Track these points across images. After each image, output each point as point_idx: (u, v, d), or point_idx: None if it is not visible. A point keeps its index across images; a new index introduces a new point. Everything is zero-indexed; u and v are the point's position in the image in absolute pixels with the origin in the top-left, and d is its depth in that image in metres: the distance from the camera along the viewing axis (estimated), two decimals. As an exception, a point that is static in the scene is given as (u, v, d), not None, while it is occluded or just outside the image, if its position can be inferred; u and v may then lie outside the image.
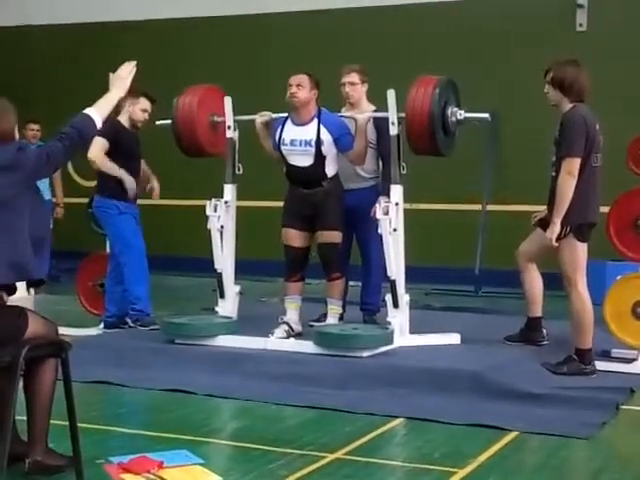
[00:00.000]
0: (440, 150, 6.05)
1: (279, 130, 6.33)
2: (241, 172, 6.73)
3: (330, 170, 6.28)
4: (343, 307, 6.68)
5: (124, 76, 4.03)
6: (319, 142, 6.18)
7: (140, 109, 7.07)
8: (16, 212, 3.75)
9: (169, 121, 6.75)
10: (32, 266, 3.80)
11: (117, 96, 3.99)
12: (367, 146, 6.30)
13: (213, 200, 6.51)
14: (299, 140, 6.23)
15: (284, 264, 6.47)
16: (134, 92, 7.00)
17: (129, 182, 7.00)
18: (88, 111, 3.87)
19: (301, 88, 6.17)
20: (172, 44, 11.71)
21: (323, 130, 6.19)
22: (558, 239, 5.73)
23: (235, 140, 6.70)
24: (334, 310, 6.40)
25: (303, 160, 6.24)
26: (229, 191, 6.68)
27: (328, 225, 6.26)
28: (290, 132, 6.27)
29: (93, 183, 10.53)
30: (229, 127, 6.65)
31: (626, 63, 9.85)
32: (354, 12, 10.84)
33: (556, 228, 5.67)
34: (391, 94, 6.08)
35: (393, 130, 6.12)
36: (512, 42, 10.20)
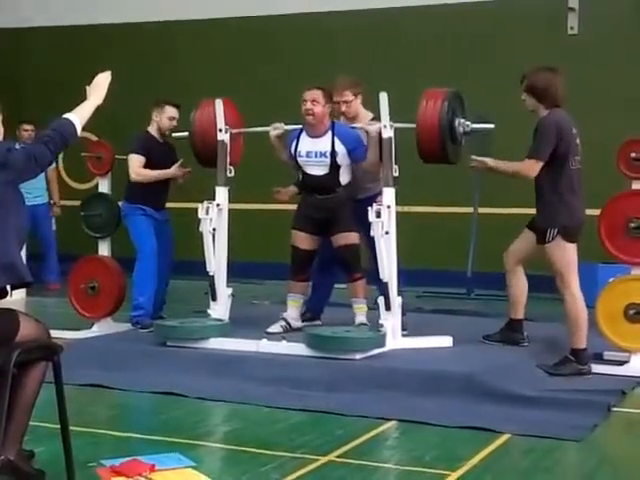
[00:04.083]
0: (449, 159, 6.16)
1: (294, 142, 6.48)
2: (232, 175, 6.75)
3: (344, 178, 6.44)
4: (321, 310, 6.91)
5: (101, 84, 4.06)
6: (334, 153, 6.34)
7: (167, 117, 7.25)
8: (7, 212, 3.75)
9: (186, 133, 6.90)
10: (23, 268, 3.79)
11: (95, 103, 4.02)
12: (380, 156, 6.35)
13: (205, 203, 6.52)
14: (314, 152, 6.40)
15: (290, 264, 6.61)
16: (158, 102, 7.18)
17: (171, 172, 7.21)
18: (68, 116, 3.90)
19: (316, 104, 6.31)
20: (169, 46, 11.68)
21: (337, 142, 6.35)
22: (546, 242, 5.80)
23: (226, 143, 6.71)
24: (361, 309, 6.48)
25: (319, 170, 6.41)
26: (221, 194, 6.69)
27: (345, 228, 6.40)
28: (306, 144, 6.44)
29: (87, 186, 10.60)
30: (220, 130, 6.68)
31: (617, 66, 9.87)
32: (353, 14, 10.83)
33: (484, 164, 6.03)
34: (383, 97, 6.13)
35: (385, 133, 6.17)
36: (503, 45, 10.21)
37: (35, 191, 9.45)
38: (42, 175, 9.50)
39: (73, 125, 3.87)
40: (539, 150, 5.78)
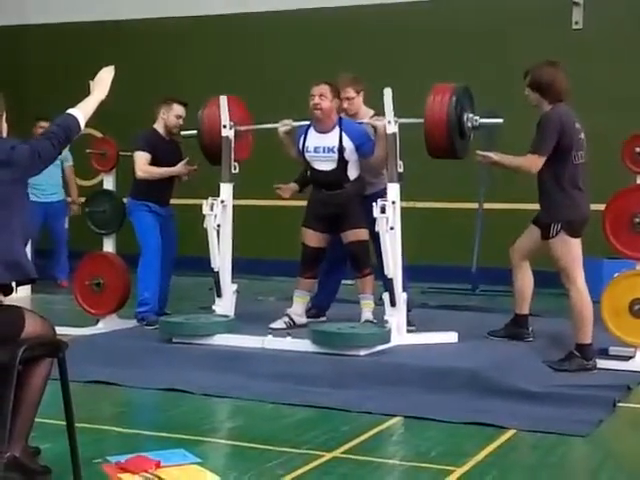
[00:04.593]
0: (457, 154, 6.15)
1: (302, 138, 6.49)
2: (237, 171, 6.75)
3: (352, 173, 6.45)
4: (327, 306, 6.95)
5: (105, 79, 4.07)
6: (342, 149, 6.35)
7: (174, 115, 7.25)
8: (11, 210, 3.76)
9: (194, 131, 6.91)
10: (28, 264, 3.80)
11: (99, 98, 4.03)
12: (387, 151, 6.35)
13: (210, 199, 6.53)
14: (322, 147, 6.40)
15: (300, 261, 6.62)
16: (166, 100, 7.19)
17: (177, 170, 7.20)
18: (72, 111, 3.91)
19: (324, 99, 6.31)
20: (171, 43, 11.69)
21: (345, 137, 6.35)
22: (550, 238, 5.79)
23: (231, 139, 6.71)
24: (368, 305, 6.49)
25: (326, 165, 6.42)
26: (226, 190, 6.70)
27: (355, 224, 6.40)
28: (313, 140, 6.44)
29: (91, 182, 10.59)
30: (224, 126, 6.68)
31: (622, 61, 9.85)
32: (352, 10, 10.82)
33: (488, 159, 6.01)
34: (388, 93, 6.13)
35: (390, 128, 6.17)
36: (508, 39, 10.20)
37: (50, 188, 9.49)
38: (58, 172, 9.57)
39: (76, 120, 3.88)
40: (541, 145, 5.77)
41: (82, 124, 3.90)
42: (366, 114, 6.62)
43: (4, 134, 3.95)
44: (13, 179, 3.76)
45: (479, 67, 9.98)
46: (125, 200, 7.45)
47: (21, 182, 3.82)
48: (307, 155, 6.46)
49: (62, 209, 9.93)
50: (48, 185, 9.27)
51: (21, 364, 3.62)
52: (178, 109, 7.24)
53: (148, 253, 7.16)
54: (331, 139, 6.37)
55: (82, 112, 3.92)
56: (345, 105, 6.60)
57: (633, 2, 9.96)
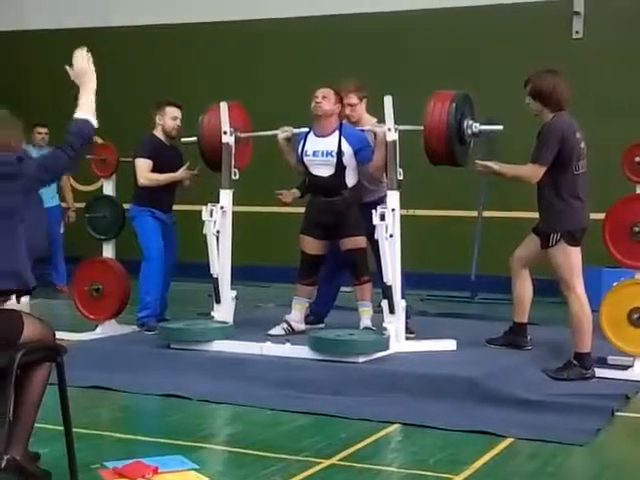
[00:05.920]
0: (457, 161, 6.15)
1: (302, 143, 6.50)
2: (237, 177, 6.76)
3: (350, 180, 6.44)
4: (326, 313, 6.94)
5: (85, 68, 4.02)
6: (340, 153, 6.35)
7: (170, 118, 7.25)
8: (16, 221, 3.76)
9: (194, 138, 6.89)
10: (28, 275, 3.80)
11: (91, 88, 3.98)
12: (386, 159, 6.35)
13: (209, 205, 6.54)
14: (321, 151, 6.41)
15: (298, 267, 6.61)
16: (158, 105, 7.18)
17: (179, 175, 7.20)
18: (80, 115, 3.90)
19: (326, 100, 6.36)
20: (170, 50, 11.70)
21: (344, 142, 6.36)
22: (550, 247, 5.80)
23: (231, 145, 6.72)
24: (367, 312, 6.48)
25: (324, 170, 6.41)
26: (225, 196, 6.70)
27: (353, 232, 6.40)
28: (312, 143, 6.45)
29: (91, 188, 10.59)
30: (225, 132, 6.69)
31: (622, 70, 9.87)
32: (354, 18, 10.84)
33: (489, 169, 6.00)
34: (388, 100, 6.13)
35: (390, 136, 6.17)
36: (509, 49, 10.21)
37: (47, 193, 9.50)
38: None
39: (89, 122, 3.88)
40: (542, 155, 5.77)
41: (94, 122, 3.90)
42: (369, 122, 6.62)
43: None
44: (18, 191, 3.76)
45: (480, 76, 9.98)
46: (126, 206, 7.45)
47: (28, 193, 3.82)
48: (305, 159, 6.46)
49: (58, 215, 9.95)
50: (46, 190, 9.29)
51: (20, 368, 3.62)
52: (172, 111, 7.24)
53: (151, 259, 7.16)
54: (330, 143, 6.37)
55: (88, 111, 3.90)
56: (347, 111, 6.61)
57: (633, 12, 9.97)
